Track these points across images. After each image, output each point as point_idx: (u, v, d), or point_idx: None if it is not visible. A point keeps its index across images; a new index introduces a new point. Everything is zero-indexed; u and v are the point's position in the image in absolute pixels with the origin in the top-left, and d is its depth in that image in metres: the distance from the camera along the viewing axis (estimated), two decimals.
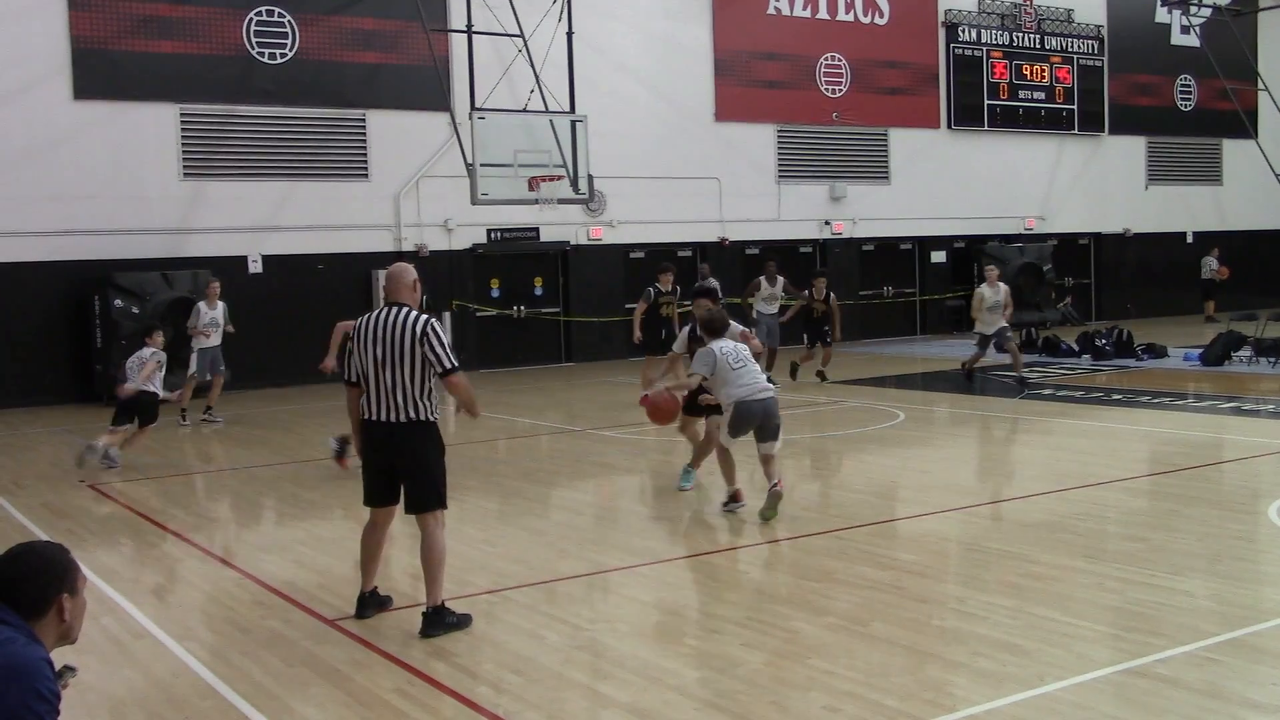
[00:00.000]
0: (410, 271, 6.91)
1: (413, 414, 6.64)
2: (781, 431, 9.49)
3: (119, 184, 19.57)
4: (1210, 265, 29.49)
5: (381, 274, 21.20)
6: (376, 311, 6.79)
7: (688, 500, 10.39)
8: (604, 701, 5.60)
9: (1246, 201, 32.91)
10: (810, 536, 8.72)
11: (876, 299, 27.59)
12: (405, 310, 6.69)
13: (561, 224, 23.19)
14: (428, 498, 6.76)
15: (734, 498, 9.64)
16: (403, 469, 6.74)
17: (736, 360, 9.33)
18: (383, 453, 6.76)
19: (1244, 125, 30.39)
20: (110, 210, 19.48)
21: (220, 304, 16.61)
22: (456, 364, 6.70)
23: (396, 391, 6.61)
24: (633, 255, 24.37)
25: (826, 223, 26.77)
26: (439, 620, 6.68)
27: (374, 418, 6.70)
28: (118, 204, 19.55)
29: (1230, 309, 28.54)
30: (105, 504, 10.95)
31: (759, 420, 9.27)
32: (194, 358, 16.44)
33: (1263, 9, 31.66)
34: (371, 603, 7.08)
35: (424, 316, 6.67)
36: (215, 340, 16.47)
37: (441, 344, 6.63)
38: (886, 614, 6.76)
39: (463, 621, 6.77)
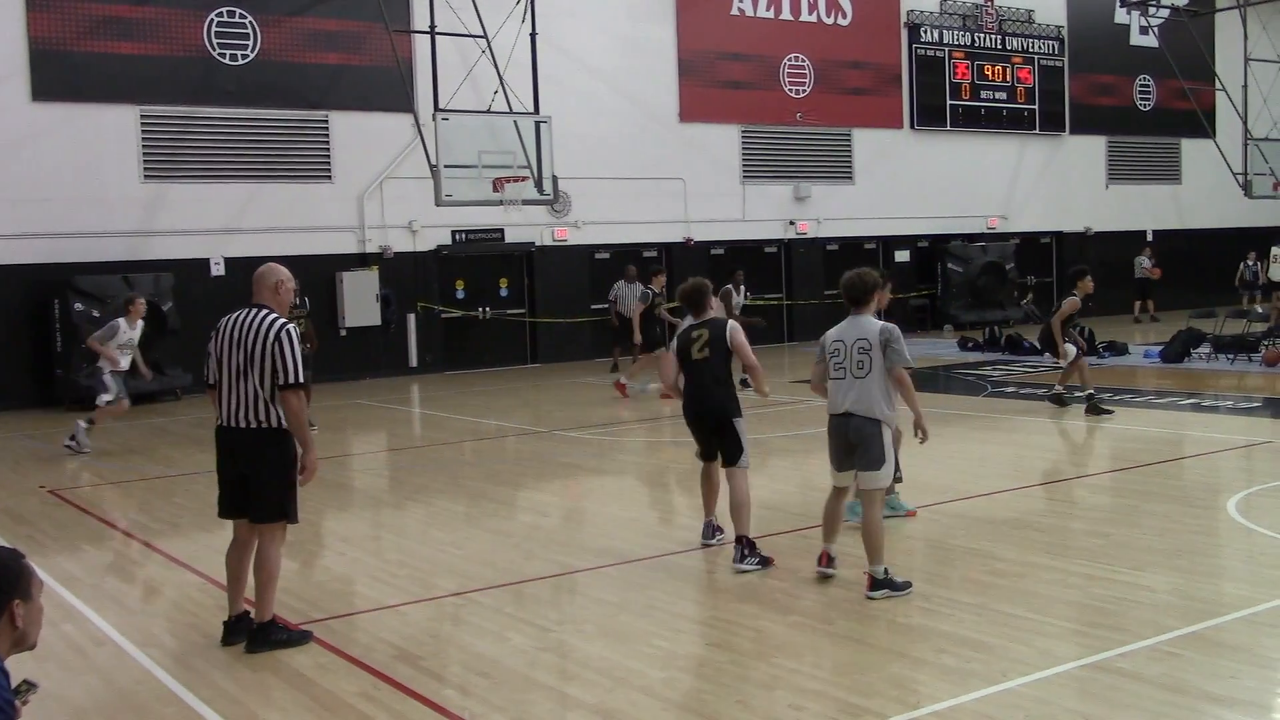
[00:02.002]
0: (276, 272, 6.66)
1: (262, 420, 6.39)
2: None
3: (79, 186, 19.38)
4: (1142, 264, 29.74)
5: (347, 276, 21.39)
6: (237, 313, 6.55)
7: (653, 501, 10.39)
8: (570, 703, 5.60)
9: (1205, 200, 33.27)
10: (775, 535, 8.73)
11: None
12: (263, 312, 6.48)
13: (526, 225, 23.16)
14: (268, 509, 6.44)
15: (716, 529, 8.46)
16: (250, 477, 6.45)
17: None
18: (231, 460, 6.51)
19: (1202, 125, 30.72)
20: (70, 213, 19.28)
21: (140, 324, 14.33)
22: (301, 380, 6.40)
23: (247, 396, 6.37)
24: (598, 256, 24.37)
25: (791, 222, 26.87)
26: (266, 637, 6.42)
27: (224, 423, 6.48)
28: (78, 207, 19.36)
29: (1167, 308, 28.94)
30: (65, 509, 10.84)
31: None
32: (110, 379, 14.14)
33: (1220, 10, 32.00)
34: (238, 629, 6.59)
35: (280, 320, 6.43)
36: (125, 365, 14.19)
37: (293, 353, 6.36)
38: (851, 612, 6.79)
39: (296, 639, 6.48)
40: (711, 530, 8.53)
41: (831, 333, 7.53)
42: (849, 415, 7.22)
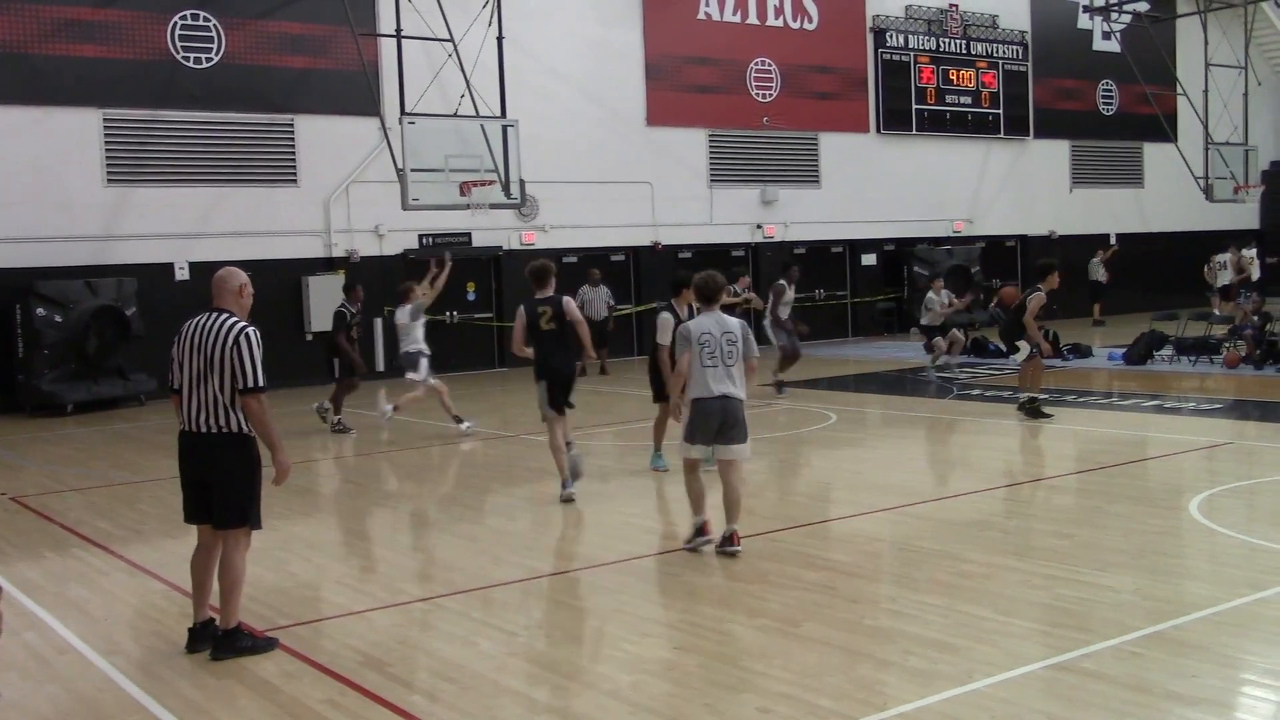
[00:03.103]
0: (237, 276, 6.63)
1: (223, 425, 6.37)
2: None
3: (41, 191, 19.19)
4: (1096, 265, 29.92)
5: (313, 280, 21.27)
6: (198, 316, 6.52)
7: (619, 505, 10.39)
8: (538, 708, 5.59)
9: (1167, 204, 33.60)
10: (744, 538, 8.75)
11: (808, 302, 27.70)
12: (225, 316, 6.44)
13: (494, 229, 23.12)
14: (230, 515, 6.43)
15: (700, 531, 8.46)
16: (212, 482, 6.43)
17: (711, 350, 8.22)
18: (193, 465, 6.48)
19: (1164, 129, 31.05)
20: (32, 217, 19.09)
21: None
22: (263, 385, 6.36)
23: (208, 401, 6.35)
24: (566, 260, 24.29)
25: (758, 226, 26.93)
26: (230, 644, 6.41)
27: (186, 428, 6.46)
28: (40, 211, 19.17)
29: (1129, 310, 29.18)
30: (27, 516, 10.73)
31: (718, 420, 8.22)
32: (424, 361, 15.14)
33: (1181, 16, 32.36)
34: (203, 636, 6.54)
35: (240, 324, 6.39)
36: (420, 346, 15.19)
37: (252, 357, 6.32)
38: (819, 614, 6.81)
39: (261, 646, 6.48)
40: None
41: (693, 325, 8.30)
42: (725, 398, 8.11)
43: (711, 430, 8.14)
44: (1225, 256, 26.81)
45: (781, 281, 17.89)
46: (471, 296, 23.69)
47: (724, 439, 8.15)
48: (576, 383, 10.67)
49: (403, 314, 15.21)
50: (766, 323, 17.75)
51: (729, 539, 8.18)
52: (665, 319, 10.57)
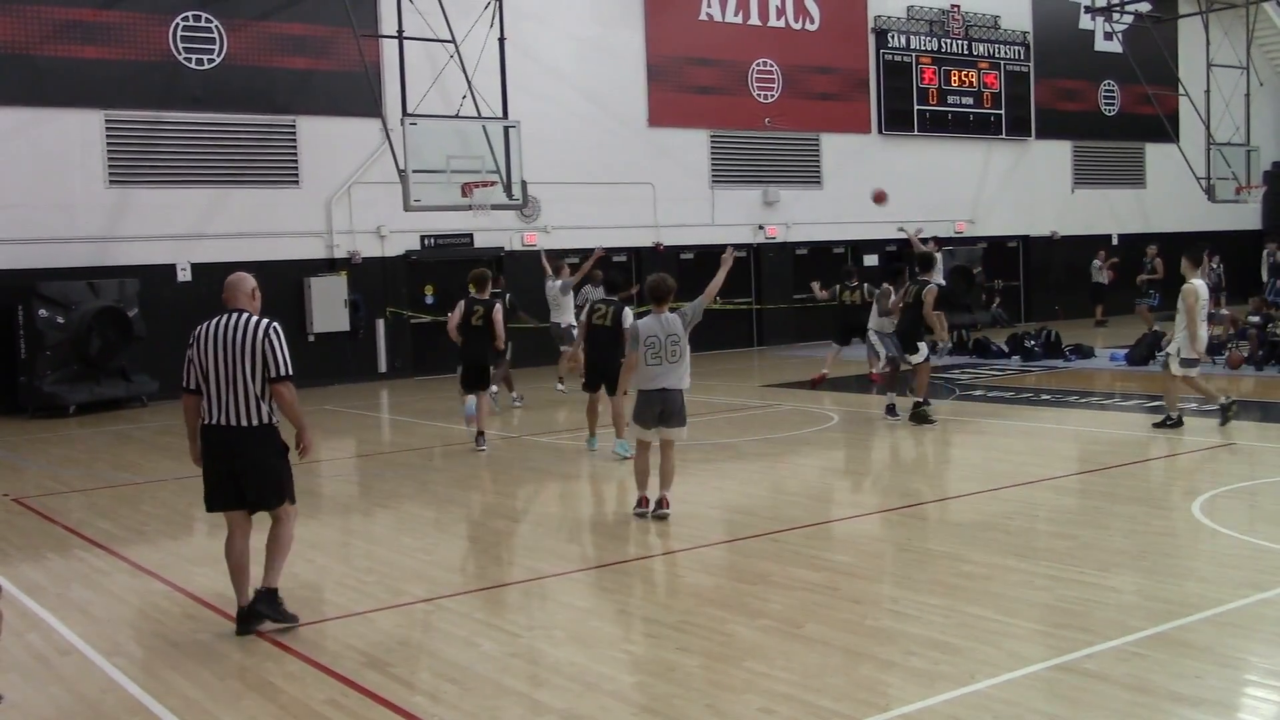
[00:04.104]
0: (249, 280, 7.10)
1: (254, 418, 6.77)
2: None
3: (43, 192, 19.20)
4: (1097, 267, 29.91)
5: (315, 281, 21.28)
6: (217, 318, 6.90)
7: (622, 506, 10.39)
8: (540, 709, 5.59)
9: (1169, 204, 33.57)
10: (745, 540, 8.76)
11: (810, 302, 27.68)
12: (247, 315, 6.88)
13: (496, 230, 23.12)
14: (269, 497, 6.91)
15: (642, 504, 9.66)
16: (242, 472, 6.83)
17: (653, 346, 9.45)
18: (223, 457, 6.84)
19: (1165, 130, 31.03)
20: (34, 219, 19.10)
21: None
22: (292, 374, 6.83)
23: (238, 395, 6.74)
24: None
25: (760, 227, 26.93)
26: (271, 599, 6.88)
27: (215, 421, 6.80)
28: (42, 212, 19.18)
29: (1118, 312, 29.14)
30: (29, 517, 10.73)
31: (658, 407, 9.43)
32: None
33: (1183, 16, 32.33)
34: (250, 617, 6.91)
35: (267, 320, 6.88)
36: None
37: (282, 348, 6.81)
38: (821, 615, 6.81)
39: (287, 618, 6.89)
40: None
41: (642, 326, 9.43)
42: (664, 390, 9.33)
43: (653, 416, 9.36)
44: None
45: (887, 285, 16.28)
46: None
47: (664, 424, 9.39)
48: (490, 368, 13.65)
49: (554, 287, 17.76)
50: (872, 331, 16.23)
51: (659, 503, 9.43)
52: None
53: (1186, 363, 12.79)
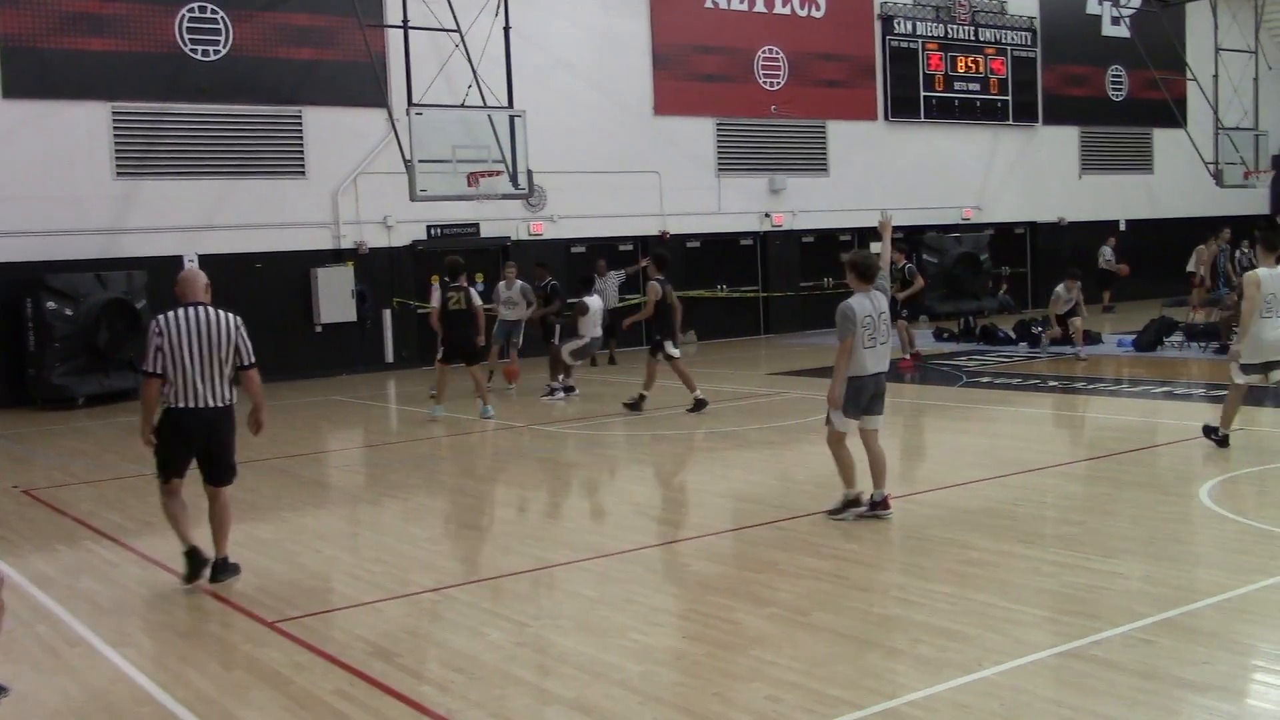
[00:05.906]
0: (202, 275, 7.94)
1: (226, 400, 7.71)
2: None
3: (51, 184, 19.22)
4: (1105, 255, 29.83)
5: (321, 272, 21.30)
6: (183, 311, 7.59)
7: (629, 495, 10.40)
8: (548, 698, 5.60)
9: (1177, 190, 33.47)
10: (752, 528, 8.76)
11: (817, 290, 27.73)
12: (216, 309, 7.69)
13: (502, 219, 23.11)
14: (228, 474, 7.91)
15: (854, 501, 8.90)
16: (214, 449, 7.76)
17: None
18: (197, 436, 7.69)
19: (1173, 115, 30.88)
20: (42, 211, 19.13)
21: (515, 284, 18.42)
22: (254, 361, 7.86)
23: (214, 380, 7.61)
24: (574, 250, 24.33)
25: (766, 215, 26.91)
26: (230, 567, 7.81)
27: (189, 405, 7.58)
28: (50, 204, 19.21)
29: (1139, 297, 29.09)
30: (38, 509, 10.77)
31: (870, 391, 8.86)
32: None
33: (1190, 0, 32.18)
34: (198, 559, 7.70)
35: (233, 315, 7.70)
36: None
37: (247, 338, 7.75)
38: (828, 603, 6.81)
39: (235, 569, 7.88)
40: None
41: (857, 306, 8.67)
42: (879, 374, 8.83)
43: (862, 404, 8.81)
44: (1201, 247, 26.29)
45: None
46: (479, 287, 23.62)
47: (872, 411, 8.87)
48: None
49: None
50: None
51: (882, 503, 8.85)
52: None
53: (1246, 368, 10.82)
